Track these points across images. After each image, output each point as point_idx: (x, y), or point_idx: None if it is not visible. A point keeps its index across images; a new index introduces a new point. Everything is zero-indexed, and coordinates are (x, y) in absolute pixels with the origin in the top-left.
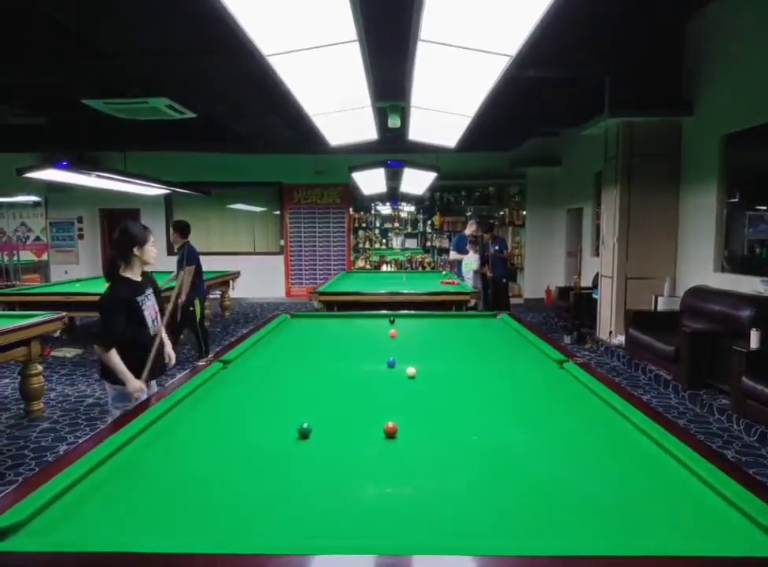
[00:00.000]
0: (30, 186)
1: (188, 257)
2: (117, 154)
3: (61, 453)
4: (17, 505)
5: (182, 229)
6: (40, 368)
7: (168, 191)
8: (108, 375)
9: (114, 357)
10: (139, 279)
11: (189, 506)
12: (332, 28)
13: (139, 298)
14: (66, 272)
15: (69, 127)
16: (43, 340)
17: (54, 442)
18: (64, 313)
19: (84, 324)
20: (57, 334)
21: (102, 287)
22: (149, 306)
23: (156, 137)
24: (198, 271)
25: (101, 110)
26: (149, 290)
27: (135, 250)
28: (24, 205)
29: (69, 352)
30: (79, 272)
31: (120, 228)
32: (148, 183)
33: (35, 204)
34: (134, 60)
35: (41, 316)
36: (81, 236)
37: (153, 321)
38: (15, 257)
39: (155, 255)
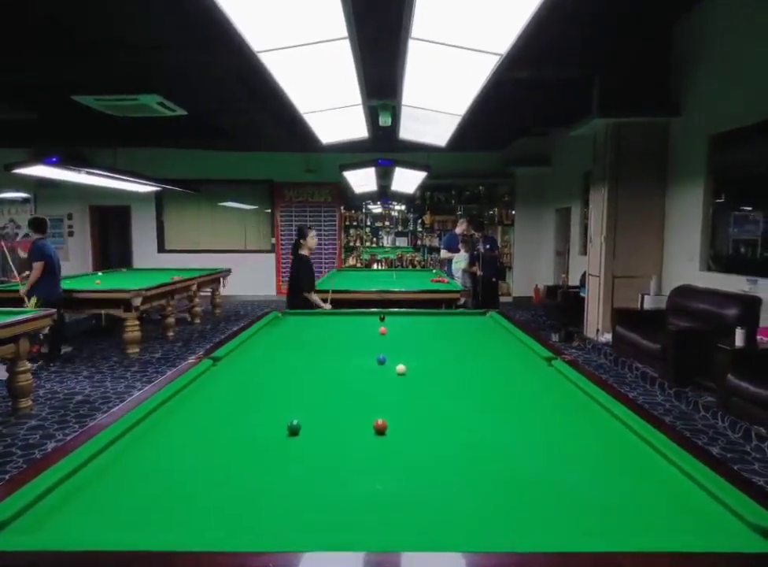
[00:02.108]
0: (18, 182)
1: (34, 254)
2: (107, 151)
3: (50, 450)
4: (2, 503)
5: (36, 225)
6: (28, 365)
7: (158, 188)
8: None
9: (315, 295)
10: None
11: (176, 504)
12: (323, 25)
13: None
14: None
15: (59, 123)
16: (32, 337)
17: (42, 440)
18: (53, 310)
19: (73, 321)
20: (47, 331)
21: (92, 284)
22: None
23: (146, 134)
24: (50, 271)
25: (91, 107)
26: None
27: (302, 240)
28: (12, 201)
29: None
30: (69, 269)
31: (298, 227)
32: (138, 180)
33: (24, 200)
34: (125, 57)
35: (30, 313)
36: (71, 233)
37: None
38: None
39: (315, 243)
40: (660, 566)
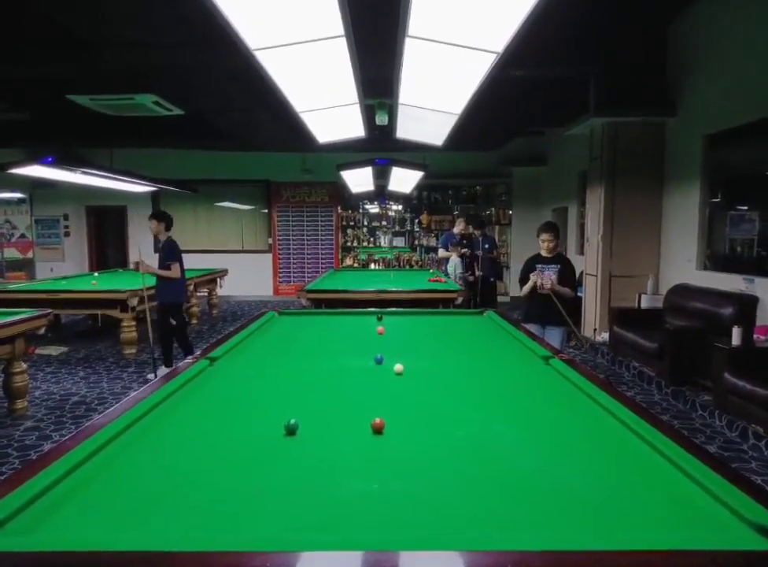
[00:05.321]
0: (14, 182)
1: None
2: (104, 151)
3: (46, 451)
4: None
5: None
6: (24, 366)
7: (154, 188)
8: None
9: (524, 289)
10: (547, 255)
11: (173, 504)
12: (320, 23)
13: (538, 266)
14: (52, 270)
15: (54, 123)
16: (28, 338)
17: (38, 441)
18: (49, 311)
19: (70, 321)
20: (42, 331)
21: (89, 284)
22: (546, 274)
23: (143, 134)
24: None
25: (87, 106)
26: (552, 265)
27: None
28: (8, 201)
29: (55, 350)
30: (66, 269)
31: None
32: (134, 180)
33: (20, 201)
34: (121, 55)
35: (26, 313)
36: (67, 234)
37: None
38: None
39: (544, 244)
40: (657, 563)
